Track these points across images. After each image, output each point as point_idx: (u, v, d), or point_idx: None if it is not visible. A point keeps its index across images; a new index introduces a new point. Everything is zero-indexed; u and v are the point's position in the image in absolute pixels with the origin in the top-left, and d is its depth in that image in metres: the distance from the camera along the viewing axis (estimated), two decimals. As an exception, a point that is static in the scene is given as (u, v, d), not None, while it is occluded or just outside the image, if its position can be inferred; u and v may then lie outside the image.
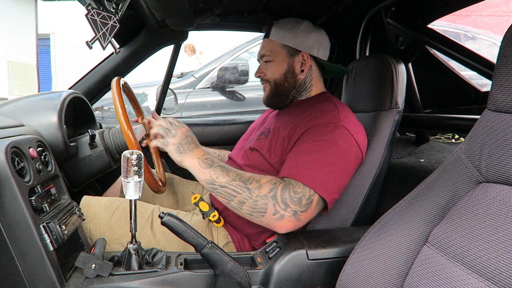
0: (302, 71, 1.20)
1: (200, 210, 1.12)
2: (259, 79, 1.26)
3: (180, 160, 1.02)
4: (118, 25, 0.88)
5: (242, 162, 1.17)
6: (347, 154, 1.01)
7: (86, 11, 0.88)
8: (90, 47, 0.92)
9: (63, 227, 0.81)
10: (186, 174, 1.65)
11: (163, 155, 1.25)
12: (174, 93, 2.33)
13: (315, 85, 1.22)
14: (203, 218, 1.12)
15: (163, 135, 1.04)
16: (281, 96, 1.22)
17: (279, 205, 0.90)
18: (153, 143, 1.07)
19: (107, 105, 2.65)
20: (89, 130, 1.19)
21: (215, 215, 1.10)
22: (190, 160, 1.00)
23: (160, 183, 1.11)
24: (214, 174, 0.96)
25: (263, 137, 1.17)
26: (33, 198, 0.79)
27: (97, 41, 0.89)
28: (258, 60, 1.27)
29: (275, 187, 0.92)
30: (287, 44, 1.18)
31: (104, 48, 0.93)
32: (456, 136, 1.85)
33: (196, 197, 1.17)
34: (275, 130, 1.13)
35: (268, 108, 1.35)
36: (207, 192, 1.37)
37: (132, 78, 1.60)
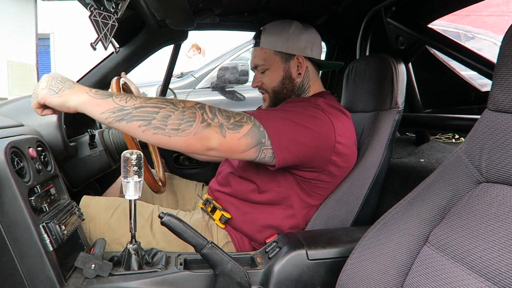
0: (299, 74, 1.18)
1: (214, 206, 1.12)
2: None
3: (62, 101, 0.79)
4: (117, 25, 0.88)
5: (236, 164, 1.17)
6: (315, 124, 0.96)
7: (88, 13, 0.88)
8: (94, 49, 0.92)
9: (63, 227, 0.81)
10: (186, 174, 1.65)
11: (163, 155, 1.25)
12: (174, 93, 2.33)
13: (313, 85, 1.22)
14: (214, 212, 1.12)
15: (33, 95, 0.84)
16: (281, 102, 1.19)
17: (207, 114, 0.82)
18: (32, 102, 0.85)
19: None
20: (88, 130, 1.19)
21: (228, 214, 1.10)
22: (77, 96, 0.80)
23: (160, 183, 1.11)
24: (120, 100, 0.79)
25: None
26: (33, 198, 0.79)
27: (99, 42, 0.90)
28: (252, 70, 1.25)
29: (203, 104, 0.85)
30: (280, 50, 1.16)
31: (106, 48, 0.93)
32: (456, 136, 1.85)
33: (208, 196, 1.17)
34: None
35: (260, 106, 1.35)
36: (205, 194, 1.37)
37: (132, 78, 1.60)
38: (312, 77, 1.21)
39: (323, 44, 1.96)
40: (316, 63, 1.22)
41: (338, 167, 1.03)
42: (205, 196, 1.18)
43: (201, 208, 1.18)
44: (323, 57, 1.26)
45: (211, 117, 0.83)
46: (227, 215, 1.10)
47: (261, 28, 1.21)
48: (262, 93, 1.23)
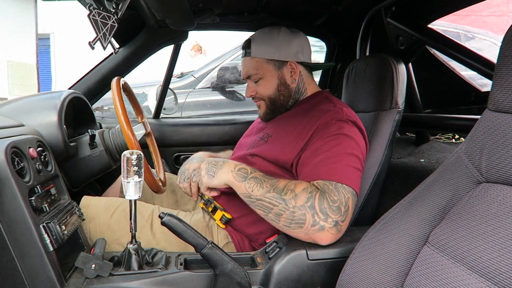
0: (294, 80, 1.18)
1: (215, 206, 1.13)
2: None
3: (218, 182, 0.98)
4: (116, 25, 0.88)
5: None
6: (358, 143, 1.00)
7: (87, 12, 0.88)
8: (93, 48, 0.92)
9: (63, 227, 0.81)
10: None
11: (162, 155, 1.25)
12: (174, 93, 2.33)
13: (309, 87, 1.22)
14: (214, 212, 1.12)
15: (191, 182, 1.08)
16: (279, 109, 1.20)
17: (318, 215, 0.86)
18: (193, 188, 1.09)
19: (107, 105, 2.65)
20: (89, 130, 1.18)
21: (229, 214, 1.10)
22: (225, 175, 0.96)
23: (160, 183, 1.11)
24: (249, 188, 0.92)
25: (263, 142, 1.16)
26: (33, 198, 0.79)
27: (98, 41, 0.90)
28: (244, 80, 1.24)
29: (312, 196, 0.87)
30: (272, 58, 1.16)
31: (104, 48, 0.93)
32: (456, 136, 1.85)
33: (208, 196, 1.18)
34: (277, 135, 1.13)
35: None
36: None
37: (132, 78, 1.60)
38: (306, 79, 1.21)
39: (323, 44, 1.98)
40: (307, 67, 1.22)
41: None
42: (206, 196, 1.18)
43: (202, 208, 1.18)
44: (321, 56, 1.26)
45: (323, 218, 0.86)
46: (228, 216, 1.09)
47: (249, 37, 1.20)
48: (256, 101, 1.23)
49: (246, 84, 1.25)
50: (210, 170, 0.99)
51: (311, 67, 1.24)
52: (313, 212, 0.85)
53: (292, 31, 1.19)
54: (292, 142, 1.05)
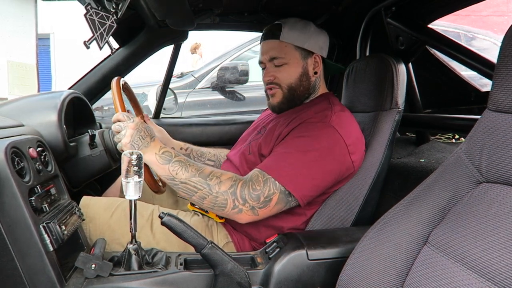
0: (315, 73, 1.18)
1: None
2: (259, 79, 1.24)
3: None
4: (115, 25, 0.88)
5: (239, 163, 1.17)
6: (330, 153, 0.99)
7: (85, 11, 0.88)
8: (88, 47, 0.92)
9: (63, 227, 0.81)
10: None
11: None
12: (174, 93, 2.33)
13: (321, 86, 1.23)
14: (206, 212, 1.12)
15: (117, 135, 0.97)
16: (295, 100, 1.18)
17: (238, 200, 0.93)
18: (117, 145, 0.99)
19: (107, 105, 2.65)
20: (89, 130, 1.18)
21: None
22: (148, 155, 0.95)
23: (160, 183, 1.11)
24: (173, 170, 0.94)
25: (260, 136, 1.18)
26: (33, 198, 0.79)
27: (94, 41, 0.89)
28: (262, 63, 1.21)
29: (235, 184, 0.94)
30: (301, 46, 1.15)
31: (100, 48, 0.93)
32: (456, 136, 1.85)
33: None
34: (271, 128, 1.14)
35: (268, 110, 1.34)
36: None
37: (132, 78, 1.60)
38: (322, 78, 1.22)
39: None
40: (324, 65, 1.22)
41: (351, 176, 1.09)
42: None
43: (193, 210, 1.17)
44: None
45: (241, 203, 0.93)
46: None
47: (278, 22, 1.18)
48: (271, 89, 1.19)
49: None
50: (135, 141, 0.95)
51: (327, 67, 1.25)
52: (234, 197, 0.93)
53: (319, 28, 1.21)
54: (280, 135, 1.07)
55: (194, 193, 0.94)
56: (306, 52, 1.17)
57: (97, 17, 0.88)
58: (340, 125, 1.04)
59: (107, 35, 0.89)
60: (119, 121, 0.96)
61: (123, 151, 0.90)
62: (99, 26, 0.88)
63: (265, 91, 1.24)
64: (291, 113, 1.16)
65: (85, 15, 0.87)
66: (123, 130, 0.95)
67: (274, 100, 1.20)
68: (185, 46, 1.82)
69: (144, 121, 1.23)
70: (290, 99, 1.18)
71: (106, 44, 0.92)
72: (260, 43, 1.24)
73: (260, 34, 1.26)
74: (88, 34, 0.87)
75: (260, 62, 1.23)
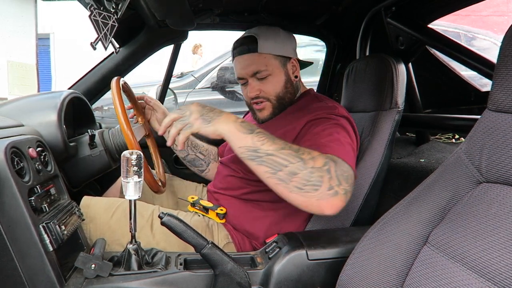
0: (296, 76, 1.19)
1: (204, 206, 1.12)
2: None
3: (214, 129, 0.85)
4: (117, 25, 0.88)
5: (237, 166, 1.17)
6: (352, 139, 1.00)
7: (88, 12, 0.88)
8: (94, 48, 0.92)
9: (63, 227, 0.81)
10: (186, 175, 1.65)
11: (162, 155, 1.25)
12: (174, 93, 2.33)
13: (302, 86, 1.24)
14: (207, 212, 1.12)
15: (182, 122, 0.87)
16: (284, 107, 1.17)
17: (333, 180, 0.80)
18: (180, 135, 0.88)
19: (107, 105, 2.65)
20: (88, 130, 1.18)
21: (222, 209, 1.10)
22: (224, 125, 0.84)
23: (160, 183, 1.11)
24: (258, 140, 0.82)
25: None
26: (33, 198, 0.79)
27: (99, 42, 0.90)
28: (241, 78, 1.17)
29: (328, 162, 0.81)
30: (280, 54, 1.14)
31: (106, 48, 0.93)
32: (456, 136, 1.85)
33: (193, 197, 1.17)
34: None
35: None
36: (205, 195, 1.37)
37: (132, 78, 1.60)
38: (299, 78, 1.23)
39: (322, 43, 1.98)
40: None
41: None
42: (189, 199, 1.17)
43: (194, 211, 1.17)
44: (320, 55, 1.27)
45: (337, 184, 0.80)
46: (222, 210, 1.10)
47: (250, 34, 1.16)
48: (258, 103, 1.16)
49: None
50: (206, 114, 0.87)
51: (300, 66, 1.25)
52: (329, 176, 0.79)
53: (285, 30, 1.21)
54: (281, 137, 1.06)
55: (282, 167, 0.79)
56: (285, 59, 1.16)
57: (100, 17, 0.88)
58: (344, 112, 1.06)
59: (110, 35, 0.90)
60: (172, 116, 0.89)
61: (200, 137, 0.84)
62: (103, 26, 0.89)
63: (249, 106, 1.21)
64: (282, 118, 1.14)
65: (89, 16, 0.88)
66: (186, 111, 0.87)
67: (264, 114, 1.18)
68: (185, 46, 1.82)
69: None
70: (280, 108, 1.17)
71: (110, 44, 0.92)
72: (233, 58, 1.21)
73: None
74: (89, 34, 0.87)
75: (240, 78, 1.18)
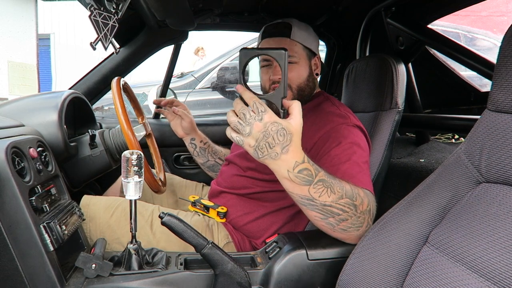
0: (317, 74, 1.20)
1: (204, 205, 1.12)
2: (259, 80, 1.18)
3: (264, 163, 0.77)
4: (117, 25, 0.88)
5: (245, 165, 1.16)
6: (366, 152, 1.00)
7: (88, 12, 0.88)
8: (94, 48, 0.92)
9: (63, 227, 0.81)
10: (186, 174, 1.66)
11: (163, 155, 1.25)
12: (174, 93, 2.33)
13: (317, 86, 1.23)
14: (207, 211, 1.12)
15: (238, 130, 0.74)
16: (302, 102, 1.15)
17: (370, 217, 0.84)
18: (232, 138, 0.76)
19: (107, 105, 2.66)
20: (89, 130, 1.19)
21: (223, 208, 1.10)
22: (278, 169, 0.76)
23: (160, 183, 1.11)
24: (315, 192, 0.77)
25: None
26: (33, 198, 0.79)
27: (99, 42, 0.90)
28: (266, 60, 1.12)
29: (369, 201, 0.84)
30: (308, 46, 1.14)
31: (106, 49, 0.93)
32: (456, 136, 1.85)
33: (194, 197, 1.17)
34: None
35: None
36: (205, 194, 1.37)
37: (132, 78, 1.60)
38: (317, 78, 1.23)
39: (322, 43, 1.98)
40: None
41: None
42: (190, 198, 1.17)
43: (195, 211, 1.17)
44: (321, 55, 1.26)
45: (371, 218, 0.84)
46: (223, 209, 1.10)
47: (285, 21, 1.14)
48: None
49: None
50: (261, 148, 0.73)
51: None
52: (369, 215, 0.83)
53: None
54: None
55: (334, 215, 0.79)
56: (311, 53, 1.17)
57: (101, 17, 0.88)
58: (357, 121, 1.06)
59: (110, 35, 0.90)
60: (234, 116, 0.75)
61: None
62: (103, 26, 0.89)
63: (266, 88, 1.15)
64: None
65: (89, 16, 0.88)
66: (246, 126, 0.72)
67: None
68: (186, 46, 1.82)
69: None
70: (299, 100, 1.14)
71: (110, 44, 0.92)
72: (262, 40, 1.17)
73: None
74: (89, 34, 0.87)
75: (265, 60, 1.14)
